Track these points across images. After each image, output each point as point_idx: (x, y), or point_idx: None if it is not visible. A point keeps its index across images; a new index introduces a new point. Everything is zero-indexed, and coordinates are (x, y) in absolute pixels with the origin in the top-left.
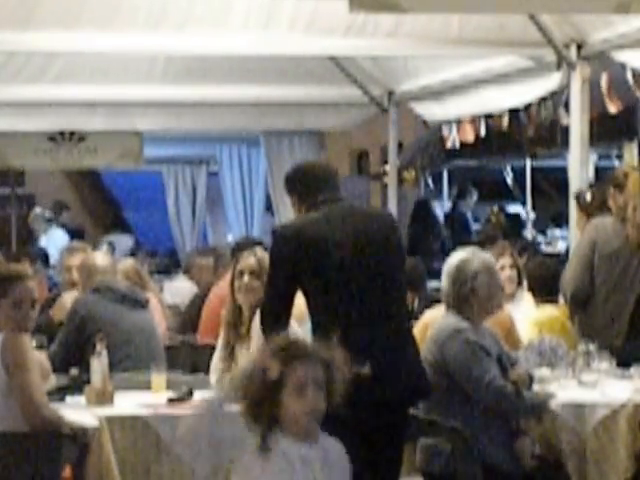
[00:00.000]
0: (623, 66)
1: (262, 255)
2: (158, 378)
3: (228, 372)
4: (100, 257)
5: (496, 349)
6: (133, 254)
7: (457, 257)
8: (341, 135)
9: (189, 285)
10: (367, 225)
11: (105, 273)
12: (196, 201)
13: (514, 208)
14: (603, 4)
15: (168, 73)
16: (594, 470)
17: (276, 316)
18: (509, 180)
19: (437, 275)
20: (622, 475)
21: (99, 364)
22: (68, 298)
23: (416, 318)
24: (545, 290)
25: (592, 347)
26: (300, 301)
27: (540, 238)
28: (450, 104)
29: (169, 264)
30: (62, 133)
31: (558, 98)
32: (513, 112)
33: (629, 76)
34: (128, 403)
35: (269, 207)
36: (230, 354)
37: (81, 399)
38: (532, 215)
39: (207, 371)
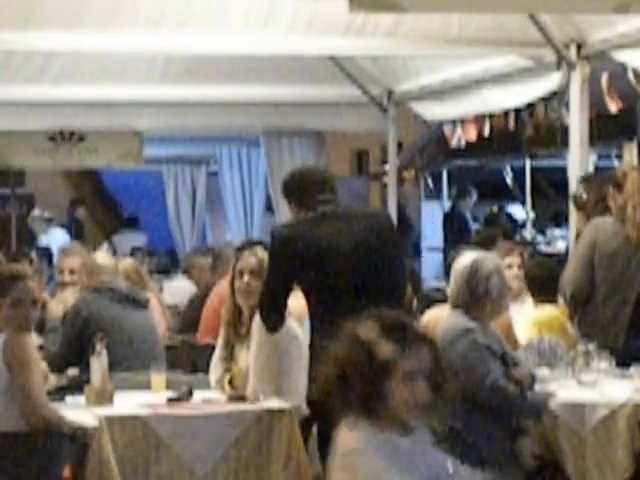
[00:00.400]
0: (623, 66)
1: (263, 255)
2: (158, 378)
3: (228, 372)
4: (101, 257)
5: (499, 348)
6: (152, 251)
7: (469, 258)
8: (341, 135)
9: (188, 285)
10: (364, 225)
11: (106, 273)
12: (196, 201)
13: (514, 208)
14: (603, 4)
15: (168, 73)
16: (593, 470)
17: (272, 311)
18: (509, 180)
19: None
20: (621, 475)
21: (99, 364)
22: (64, 298)
23: (415, 318)
24: (544, 290)
25: (591, 347)
26: (300, 301)
27: (540, 238)
28: (450, 104)
29: (168, 264)
30: (62, 133)
31: (562, 98)
32: (516, 112)
33: (630, 76)
34: (128, 403)
35: (269, 207)
36: (230, 354)
37: (81, 399)
38: (532, 215)
39: (207, 371)
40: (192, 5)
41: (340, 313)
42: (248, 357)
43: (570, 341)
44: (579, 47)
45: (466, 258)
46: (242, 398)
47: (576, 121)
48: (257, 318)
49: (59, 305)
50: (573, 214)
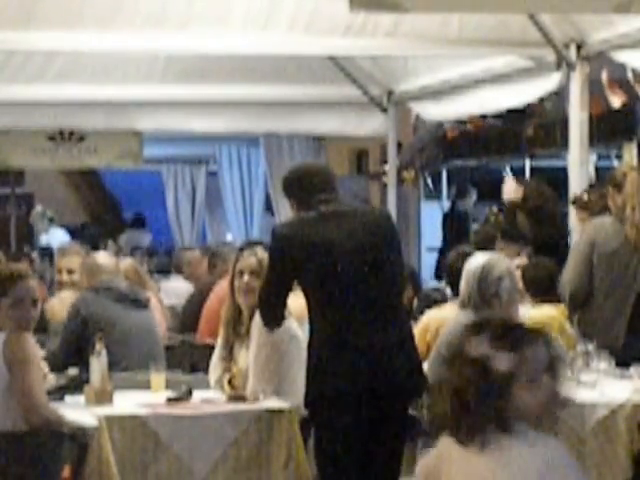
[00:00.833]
0: (623, 66)
1: (263, 255)
2: (157, 378)
3: (227, 372)
4: (102, 256)
5: None
6: (151, 251)
7: (481, 259)
8: (340, 135)
9: (185, 285)
10: (364, 224)
11: (107, 272)
12: (195, 201)
13: None
14: (603, 4)
15: (168, 73)
16: (593, 470)
17: (272, 308)
18: None
19: None
20: (621, 475)
21: (98, 364)
22: (64, 299)
23: (415, 318)
24: (541, 291)
25: (591, 347)
26: (300, 301)
27: None
28: (450, 104)
29: (168, 264)
30: (61, 133)
31: (559, 98)
32: (516, 112)
33: (630, 75)
34: (127, 403)
35: (269, 207)
36: (229, 354)
37: (80, 399)
38: None
39: (206, 371)
40: (192, 5)
41: (341, 313)
42: (248, 357)
43: (569, 341)
44: (579, 47)
45: (478, 259)
46: (242, 398)
47: (576, 121)
48: (257, 318)
49: (61, 306)
50: (573, 214)
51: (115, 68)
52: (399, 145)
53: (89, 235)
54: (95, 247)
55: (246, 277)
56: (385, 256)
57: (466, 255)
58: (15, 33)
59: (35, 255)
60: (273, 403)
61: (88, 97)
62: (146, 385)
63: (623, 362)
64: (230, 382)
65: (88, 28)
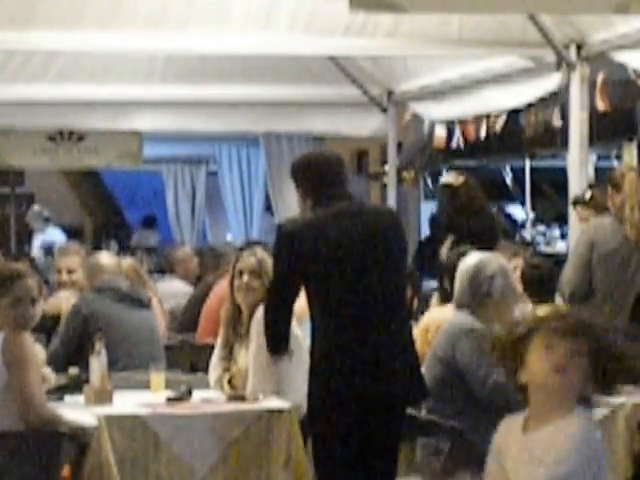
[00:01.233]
0: (623, 67)
1: (262, 255)
2: (157, 377)
3: (227, 372)
4: (104, 256)
5: None
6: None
7: (474, 258)
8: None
9: (181, 285)
10: (372, 223)
11: (109, 272)
12: (195, 201)
13: (513, 208)
14: (603, 4)
15: (168, 73)
16: None
17: (279, 310)
18: (508, 180)
19: None
20: (621, 475)
21: (98, 363)
22: (64, 298)
23: (415, 319)
24: (539, 291)
25: None
26: (300, 301)
27: (539, 238)
28: (450, 104)
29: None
30: (61, 132)
31: (554, 99)
32: (511, 113)
33: (632, 76)
34: (127, 402)
35: (269, 207)
36: (229, 354)
37: (80, 398)
38: (531, 215)
39: (206, 371)
40: (192, 5)
41: (345, 313)
42: (247, 357)
43: None
44: (579, 48)
45: (472, 258)
46: (241, 398)
47: (576, 122)
48: (256, 317)
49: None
50: (573, 214)
51: (115, 68)
52: (399, 145)
53: (89, 235)
54: (97, 247)
55: (246, 277)
56: (391, 257)
57: (462, 255)
58: (15, 33)
59: (36, 253)
60: (273, 403)
61: (88, 97)
62: (146, 385)
63: None
64: (230, 382)
65: (88, 28)
